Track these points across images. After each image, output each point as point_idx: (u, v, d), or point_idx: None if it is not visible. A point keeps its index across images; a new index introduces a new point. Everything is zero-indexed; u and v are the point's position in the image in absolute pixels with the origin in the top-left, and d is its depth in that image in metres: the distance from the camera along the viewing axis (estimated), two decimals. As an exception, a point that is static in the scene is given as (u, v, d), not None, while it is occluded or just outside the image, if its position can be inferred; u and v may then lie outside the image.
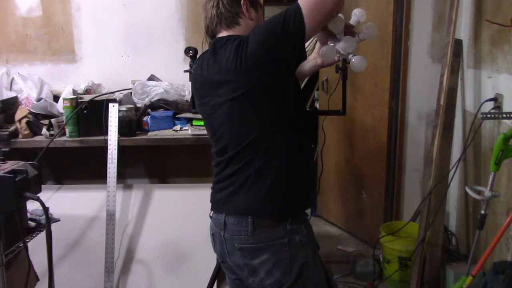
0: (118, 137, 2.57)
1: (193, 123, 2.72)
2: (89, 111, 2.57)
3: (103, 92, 2.91)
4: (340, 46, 1.59)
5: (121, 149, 2.58)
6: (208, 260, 2.48)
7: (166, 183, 3.19)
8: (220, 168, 1.52)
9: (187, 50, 2.66)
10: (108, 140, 2.56)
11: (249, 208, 1.46)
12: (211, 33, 1.56)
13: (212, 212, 1.58)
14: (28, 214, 1.86)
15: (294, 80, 1.50)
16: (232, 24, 1.52)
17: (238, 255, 1.50)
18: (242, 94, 1.39)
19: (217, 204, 1.56)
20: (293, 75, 1.46)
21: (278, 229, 1.45)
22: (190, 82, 1.71)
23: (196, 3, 3.04)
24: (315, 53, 1.80)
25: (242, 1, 1.53)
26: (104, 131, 2.57)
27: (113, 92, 2.85)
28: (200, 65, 1.55)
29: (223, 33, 1.53)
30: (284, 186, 1.46)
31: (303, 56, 1.38)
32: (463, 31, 2.81)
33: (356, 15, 1.68)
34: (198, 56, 2.36)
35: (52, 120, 2.63)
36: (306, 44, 4.56)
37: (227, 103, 1.43)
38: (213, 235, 1.59)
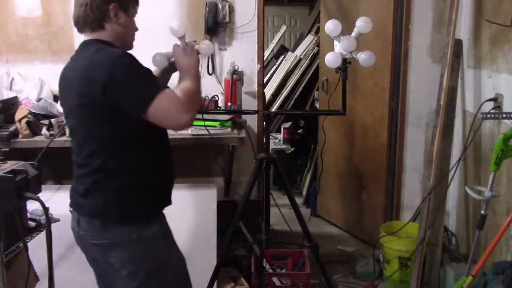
0: (118, 137, 2.57)
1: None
2: (89, 111, 2.57)
3: (103, 92, 2.91)
4: (342, 47, 1.60)
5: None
6: (208, 260, 2.48)
7: (166, 183, 3.18)
8: (76, 168, 1.61)
9: (187, 50, 2.65)
10: (108, 140, 2.55)
11: (97, 211, 1.53)
12: (78, 29, 1.59)
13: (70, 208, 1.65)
14: (28, 214, 1.86)
15: None
16: (97, 28, 1.55)
17: (93, 250, 1.58)
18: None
19: (72, 204, 1.64)
20: None
21: (127, 228, 1.51)
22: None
23: (196, 3, 3.04)
24: None
25: (111, 6, 1.52)
26: (104, 131, 2.56)
27: (113, 92, 2.85)
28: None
29: (87, 35, 1.57)
30: (133, 189, 1.52)
31: None
32: (463, 31, 2.81)
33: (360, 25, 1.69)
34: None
35: (52, 120, 2.63)
36: (305, 45, 4.57)
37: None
38: (72, 229, 1.66)
